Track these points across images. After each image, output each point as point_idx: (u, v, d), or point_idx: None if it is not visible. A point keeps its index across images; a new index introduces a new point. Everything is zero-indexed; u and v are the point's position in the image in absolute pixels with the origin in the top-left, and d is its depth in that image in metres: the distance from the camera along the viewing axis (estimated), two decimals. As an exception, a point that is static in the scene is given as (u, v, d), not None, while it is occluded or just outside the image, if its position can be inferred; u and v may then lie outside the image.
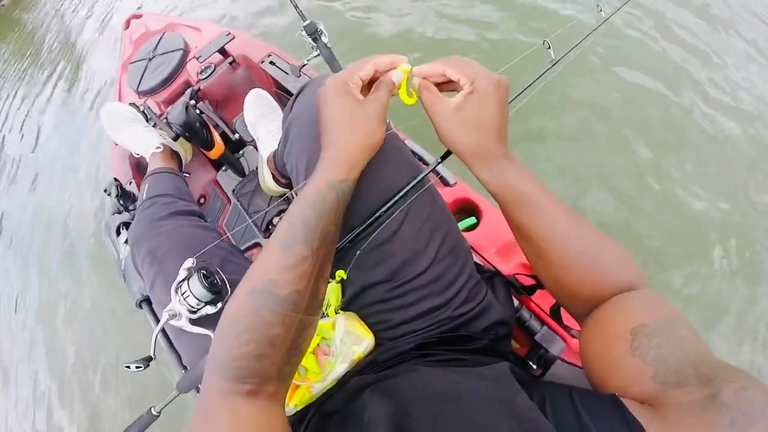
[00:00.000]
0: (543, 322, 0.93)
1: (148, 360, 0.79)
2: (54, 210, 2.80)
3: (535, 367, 0.88)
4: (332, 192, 0.55)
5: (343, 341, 0.70)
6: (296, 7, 1.22)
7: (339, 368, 0.69)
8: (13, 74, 4.74)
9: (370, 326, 0.74)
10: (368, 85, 0.61)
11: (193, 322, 0.75)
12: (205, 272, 0.72)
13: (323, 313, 0.74)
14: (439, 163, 0.66)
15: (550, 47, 0.71)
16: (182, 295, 0.71)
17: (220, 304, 0.74)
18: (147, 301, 1.16)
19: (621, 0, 1.04)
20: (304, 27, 1.23)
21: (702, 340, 0.43)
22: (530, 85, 0.70)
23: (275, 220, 1.48)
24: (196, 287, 0.70)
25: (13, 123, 3.95)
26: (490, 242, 1.12)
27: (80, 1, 4.91)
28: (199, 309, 0.73)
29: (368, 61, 0.59)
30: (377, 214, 0.65)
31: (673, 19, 2.27)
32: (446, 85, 0.60)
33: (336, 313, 0.75)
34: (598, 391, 0.46)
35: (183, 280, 0.72)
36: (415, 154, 1.20)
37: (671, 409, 0.37)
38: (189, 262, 0.73)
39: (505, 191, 0.57)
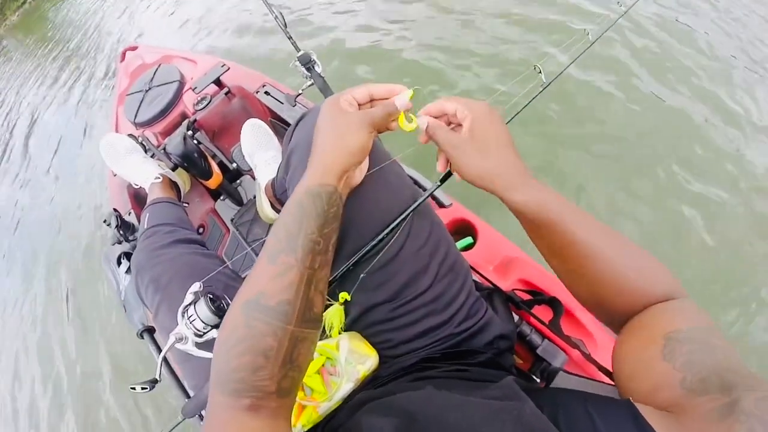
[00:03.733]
0: (544, 336, 0.94)
1: (153, 382, 0.79)
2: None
3: (538, 380, 0.89)
4: (309, 198, 0.55)
5: (348, 360, 0.71)
6: (290, 38, 1.26)
7: (345, 387, 0.69)
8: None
9: (374, 345, 0.75)
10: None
11: (199, 346, 0.75)
12: (211, 296, 0.73)
13: (327, 334, 0.75)
14: (438, 186, 0.69)
15: (541, 72, 0.74)
16: (189, 318, 0.72)
17: (225, 328, 0.75)
18: (148, 331, 1.16)
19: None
20: (298, 57, 1.27)
21: (734, 350, 0.43)
22: (523, 108, 0.73)
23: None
24: (203, 311, 0.71)
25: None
26: (487, 261, 1.14)
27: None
28: (205, 332, 0.73)
29: (364, 85, 0.61)
30: (380, 237, 0.67)
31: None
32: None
33: (339, 334, 0.76)
34: (612, 399, 0.46)
35: (189, 304, 0.73)
36: (412, 179, 1.23)
37: (691, 417, 0.37)
38: (196, 287, 0.74)
39: (540, 212, 0.55)
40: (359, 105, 0.62)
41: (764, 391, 0.35)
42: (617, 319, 0.55)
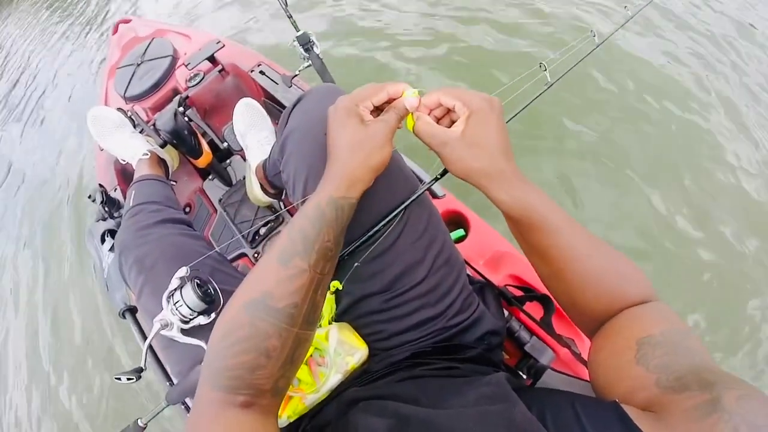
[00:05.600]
0: (532, 333, 0.93)
1: (139, 371, 0.77)
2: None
3: (525, 377, 0.89)
4: (331, 208, 0.55)
5: (337, 352, 0.70)
6: (290, 17, 1.23)
7: (333, 379, 0.68)
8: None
9: (364, 337, 0.74)
10: (376, 108, 0.62)
11: (184, 332, 0.73)
12: (198, 281, 0.71)
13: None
14: (437, 179, 0.67)
15: (546, 69, 0.73)
16: (175, 304, 0.70)
17: (213, 315, 0.73)
18: (130, 310, 1.13)
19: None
20: (296, 37, 1.24)
21: (707, 352, 0.44)
22: (526, 106, 0.72)
23: (262, 231, 1.47)
24: (190, 297, 0.69)
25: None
26: (479, 254, 1.13)
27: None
28: (191, 319, 0.71)
29: (383, 87, 0.59)
30: (376, 228, 0.66)
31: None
32: (442, 120, 0.61)
33: (329, 324, 0.74)
34: (599, 400, 0.47)
35: (175, 289, 0.71)
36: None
37: (674, 415, 0.37)
38: (182, 271, 0.72)
39: (524, 214, 0.56)
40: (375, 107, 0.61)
41: (743, 389, 0.36)
42: (592, 321, 0.56)
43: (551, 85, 0.74)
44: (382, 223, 0.66)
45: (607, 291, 0.54)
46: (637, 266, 0.56)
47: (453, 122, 0.59)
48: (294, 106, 0.78)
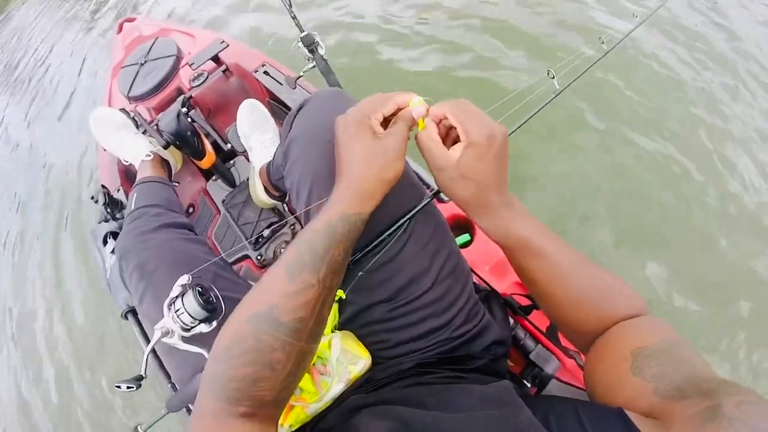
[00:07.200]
0: (538, 341, 0.92)
1: (139, 379, 0.76)
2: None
3: (529, 385, 0.88)
4: (344, 224, 0.54)
5: (339, 361, 0.69)
6: (294, 17, 1.21)
7: (335, 388, 0.67)
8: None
9: (368, 346, 0.73)
10: (385, 119, 0.61)
11: (185, 340, 0.73)
12: (200, 289, 0.70)
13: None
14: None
15: (554, 77, 0.72)
16: (176, 312, 0.69)
17: (215, 323, 0.72)
18: (133, 312, 1.13)
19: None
20: (301, 38, 1.23)
21: (704, 360, 0.44)
22: (534, 114, 0.71)
23: (266, 233, 1.46)
24: (191, 305, 0.68)
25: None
26: (484, 260, 1.12)
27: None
28: (192, 327, 0.70)
29: (391, 98, 0.58)
30: (382, 237, 0.65)
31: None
32: (451, 130, 0.60)
33: (332, 332, 0.73)
34: (603, 406, 0.46)
35: (177, 296, 0.70)
36: (417, 175, 1.20)
37: (676, 422, 0.37)
38: (184, 279, 0.71)
39: (505, 239, 0.58)
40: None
41: (744, 395, 0.36)
42: (584, 337, 0.57)
43: (560, 93, 0.73)
44: (388, 232, 0.66)
45: (594, 308, 0.55)
46: (625, 282, 0.57)
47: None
48: (297, 111, 0.77)
